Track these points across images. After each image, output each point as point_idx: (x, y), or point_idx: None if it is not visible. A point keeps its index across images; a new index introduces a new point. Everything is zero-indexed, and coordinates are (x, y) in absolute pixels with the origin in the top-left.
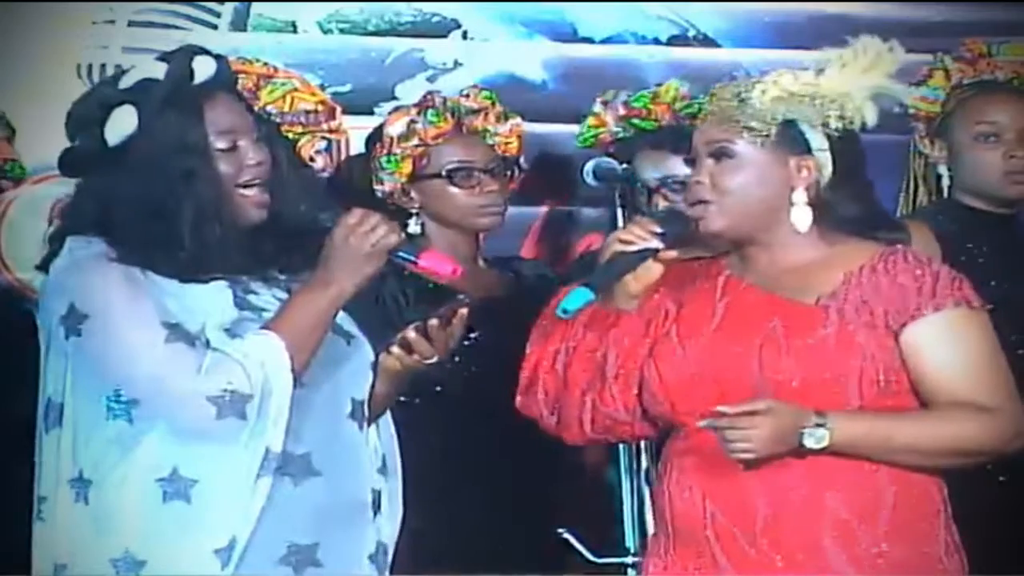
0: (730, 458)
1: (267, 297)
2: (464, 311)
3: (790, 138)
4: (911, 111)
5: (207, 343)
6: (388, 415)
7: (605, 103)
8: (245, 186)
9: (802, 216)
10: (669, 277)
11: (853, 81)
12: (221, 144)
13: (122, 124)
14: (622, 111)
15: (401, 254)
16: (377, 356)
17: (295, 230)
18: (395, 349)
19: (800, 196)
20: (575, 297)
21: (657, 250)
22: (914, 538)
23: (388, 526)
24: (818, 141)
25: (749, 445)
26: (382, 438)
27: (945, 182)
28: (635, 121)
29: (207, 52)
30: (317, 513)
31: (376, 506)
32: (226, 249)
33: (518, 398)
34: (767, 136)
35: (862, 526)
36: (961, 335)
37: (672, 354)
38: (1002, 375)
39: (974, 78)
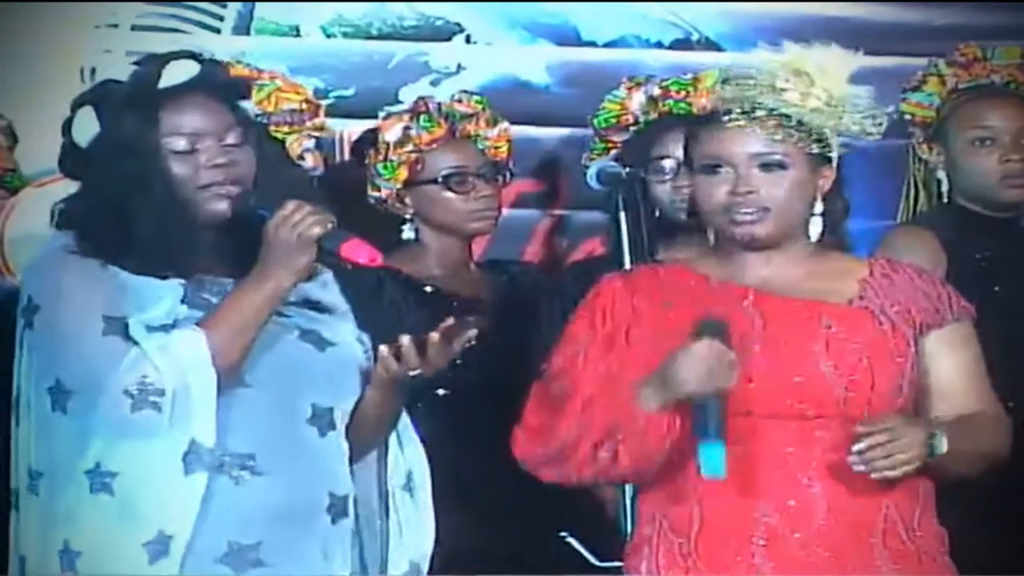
0: (877, 477)
1: None
2: (472, 333)
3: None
4: (906, 116)
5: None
6: (411, 429)
7: (631, 88)
8: (206, 188)
9: (817, 225)
10: (676, 293)
11: (847, 87)
12: (178, 146)
13: (86, 125)
14: (656, 91)
15: (325, 244)
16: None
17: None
18: (383, 352)
19: (819, 206)
20: (715, 456)
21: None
22: (934, 536)
23: (419, 542)
24: (837, 150)
25: (907, 456)
26: (406, 452)
27: (944, 187)
28: (669, 102)
29: (192, 56)
30: (261, 513)
31: (336, 511)
32: (186, 248)
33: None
34: (827, 148)
35: (907, 528)
36: (972, 345)
37: None
38: (990, 385)
39: (969, 82)
